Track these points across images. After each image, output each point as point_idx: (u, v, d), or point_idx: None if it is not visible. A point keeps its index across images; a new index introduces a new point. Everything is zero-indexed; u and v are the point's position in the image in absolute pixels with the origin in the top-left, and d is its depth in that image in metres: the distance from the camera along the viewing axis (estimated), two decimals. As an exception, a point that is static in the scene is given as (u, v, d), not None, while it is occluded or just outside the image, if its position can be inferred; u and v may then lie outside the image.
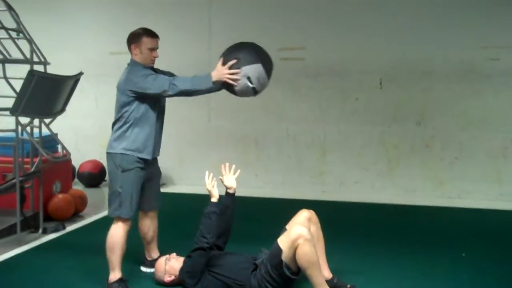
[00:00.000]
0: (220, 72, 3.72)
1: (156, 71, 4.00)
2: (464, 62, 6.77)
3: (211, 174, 4.06)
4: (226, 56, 3.78)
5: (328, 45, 7.17)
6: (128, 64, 3.97)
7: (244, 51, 3.80)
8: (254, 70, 3.75)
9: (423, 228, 5.62)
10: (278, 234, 3.73)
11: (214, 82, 3.74)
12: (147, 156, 3.92)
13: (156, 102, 3.93)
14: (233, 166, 4.21)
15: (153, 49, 3.95)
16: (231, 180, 4.14)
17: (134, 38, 3.96)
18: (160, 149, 4.12)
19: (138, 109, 3.84)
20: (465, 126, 6.85)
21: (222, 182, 4.11)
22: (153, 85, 3.76)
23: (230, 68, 3.71)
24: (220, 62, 3.76)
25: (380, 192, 7.08)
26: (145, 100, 3.85)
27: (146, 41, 3.92)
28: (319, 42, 7.20)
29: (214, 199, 3.97)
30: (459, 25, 6.76)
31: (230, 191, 4.12)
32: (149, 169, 4.02)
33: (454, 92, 6.85)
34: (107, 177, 7.61)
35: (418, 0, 6.90)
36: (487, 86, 6.76)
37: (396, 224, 5.79)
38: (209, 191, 4.00)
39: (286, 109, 7.41)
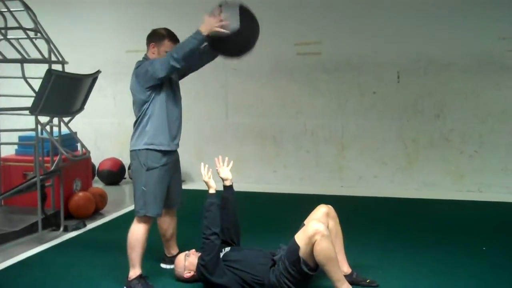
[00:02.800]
0: (208, 23, 3.65)
1: None
2: (483, 54, 6.70)
3: (207, 166, 4.07)
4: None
5: (344, 39, 7.14)
6: (137, 62, 3.97)
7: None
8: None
9: (443, 222, 5.58)
10: (296, 230, 3.72)
11: (206, 35, 3.67)
12: (170, 147, 3.94)
13: (170, 92, 3.94)
14: (226, 158, 4.22)
15: None
16: (225, 171, 4.17)
17: (155, 37, 3.97)
18: (180, 140, 4.11)
19: (155, 102, 3.86)
20: (484, 119, 6.77)
21: (218, 174, 4.13)
22: (161, 67, 3.74)
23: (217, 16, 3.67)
24: (206, 16, 3.69)
25: (399, 187, 7.04)
26: (160, 92, 3.86)
27: (167, 45, 3.93)
28: (335, 36, 7.17)
29: (212, 190, 3.97)
30: (477, 16, 6.68)
31: (227, 183, 4.15)
32: (172, 166, 4.04)
33: (473, 85, 6.78)
34: (126, 175, 7.70)
35: (435, -7, 6.85)
36: (507, 78, 6.67)
37: (415, 219, 5.75)
38: (206, 182, 4.01)
39: (304, 104, 7.40)
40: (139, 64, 3.92)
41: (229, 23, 3.69)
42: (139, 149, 3.90)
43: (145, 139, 3.89)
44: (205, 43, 3.84)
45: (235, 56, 4.03)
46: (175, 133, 4.00)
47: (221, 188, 4.13)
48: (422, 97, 6.96)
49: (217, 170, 4.15)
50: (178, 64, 3.70)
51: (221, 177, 4.15)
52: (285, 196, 6.87)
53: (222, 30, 3.68)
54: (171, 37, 3.96)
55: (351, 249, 4.09)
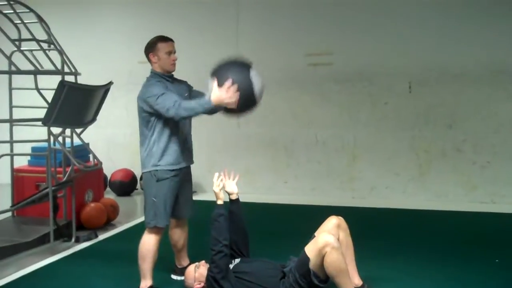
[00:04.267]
0: (219, 97, 3.58)
1: (175, 80, 4.07)
2: (495, 64, 6.68)
3: (221, 176, 4.06)
4: (218, 76, 3.71)
5: (356, 50, 7.15)
6: (146, 78, 4.01)
7: (232, 68, 3.77)
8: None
9: (456, 234, 5.54)
10: (307, 241, 3.71)
11: (216, 106, 3.66)
12: (179, 166, 3.96)
13: None
14: (232, 171, 4.21)
15: (170, 52, 3.98)
16: (232, 185, 4.15)
17: (149, 48, 4.00)
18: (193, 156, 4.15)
19: (161, 121, 3.86)
20: (497, 129, 6.74)
21: (224, 188, 4.11)
22: (162, 108, 3.75)
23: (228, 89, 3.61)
24: (215, 85, 3.64)
25: (411, 197, 7.01)
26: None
27: (162, 47, 3.95)
28: (346, 47, 7.18)
29: (220, 202, 3.95)
30: (489, 26, 6.67)
31: (233, 197, 4.14)
32: (183, 177, 4.05)
33: (485, 95, 6.76)
34: (138, 186, 7.72)
35: (446, 3, 6.83)
36: (519, 88, 6.65)
37: (427, 230, 5.72)
38: (215, 193, 3.99)
39: (315, 115, 7.40)
40: (143, 86, 3.95)
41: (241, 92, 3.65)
42: (148, 171, 3.93)
43: (152, 160, 3.91)
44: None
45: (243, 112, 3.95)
46: (184, 152, 4.00)
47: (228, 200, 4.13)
48: (434, 107, 6.94)
49: (223, 184, 4.13)
50: (176, 117, 3.74)
51: (226, 191, 4.14)
52: (296, 207, 6.86)
53: (231, 106, 3.64)
54: (162, 38, 3.99)
55: (362, 261, 4.06)
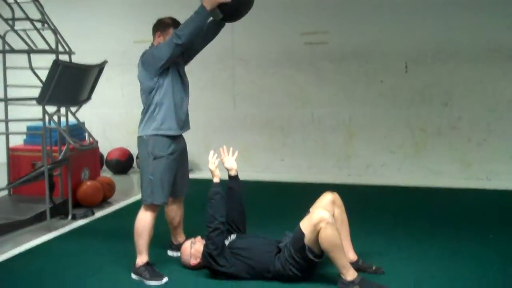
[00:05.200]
0: None
1: None
2: (491, 43, 6.65)
3: (216, 154, 4.07)
4: None
5: (351, 29, 7.11)
6: (143, 51, 4.00)
7: None
8: None
9: (451, 210, 5.57)
10: (303, 218, 3.73)
11: (210, 10, 3.70)
12: (179, 132, 3.97)
13: (177, 78, 3.96)
14: (231, 148, 4.22)
15: None
16: (230, 161, 4.17)
17: (161, 27, 3.99)
18: (189, 127, 4.14)
19: (162, 89, 3.87)
20: (493, 107, 6.74)
21: (223, 164, 4.13)
22: (165, 47, 3.77)
23: None
24: None
25: (407, 175, 7.02)
26: (167, 78, 3.88)
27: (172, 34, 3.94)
28: (342, 26, 7.14)
29: (216, 179, 3.97)
30: (485, 5, 6.63)
31: (232, 173, 4.15)
32: (179, 155, 4.05)
33: (481, 73, 6.74)
34: (134, 164, 7.74)
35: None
36: (515, 66, 6.64)
37: (423, 207, 5.74)
38: (211, 171, 3.99)
39: (311, 94, 7.38)
40: (145, 52, 3.95)
41: None
42: (147, 135, 3.92)
43: (153, 124, 3.91)
44: (210, 18, 3.83)
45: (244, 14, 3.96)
46: (183, 118, 4.02)
47: (226, 177, 4.13)
48: (430, 85, 6.93)
49: (221, 160, 4.15)
50: (180, 41, 3.71)
51: (226, 167, 4.15)
52: (293, 185, 6.88)
53: (224, 1, 3.67)
54: (176, 25, 3.96)
55: (358, 237, 4.10)
